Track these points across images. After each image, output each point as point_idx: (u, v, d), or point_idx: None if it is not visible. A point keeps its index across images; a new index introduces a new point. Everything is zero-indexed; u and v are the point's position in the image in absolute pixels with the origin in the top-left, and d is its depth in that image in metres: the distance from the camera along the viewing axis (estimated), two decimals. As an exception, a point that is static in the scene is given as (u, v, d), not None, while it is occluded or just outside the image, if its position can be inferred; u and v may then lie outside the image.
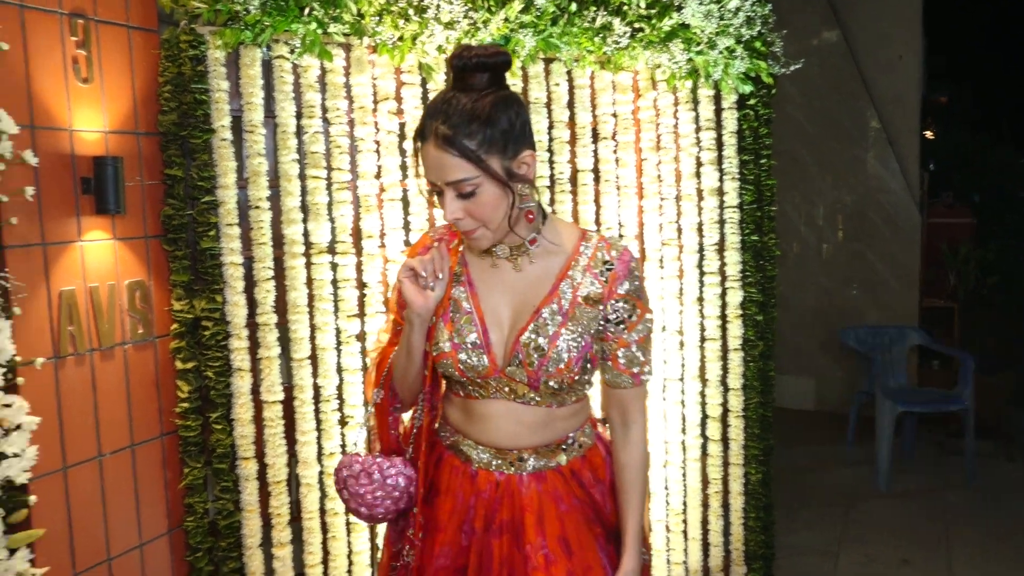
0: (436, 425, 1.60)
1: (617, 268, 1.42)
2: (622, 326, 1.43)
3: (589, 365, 1.44)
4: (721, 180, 2.83)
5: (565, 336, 1.39)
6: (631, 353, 1.45)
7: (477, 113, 1.29)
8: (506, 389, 1.43)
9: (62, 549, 1.91)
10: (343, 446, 2.30)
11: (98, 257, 1.98)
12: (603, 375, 1.50)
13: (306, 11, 2.10)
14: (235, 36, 2.05)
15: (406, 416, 1.62)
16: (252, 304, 2.18)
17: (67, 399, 1.92)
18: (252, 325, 2.19)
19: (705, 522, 2.94)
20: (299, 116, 2.20)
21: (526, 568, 1.41)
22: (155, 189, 2.11)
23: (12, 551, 1.76)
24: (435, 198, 1.37)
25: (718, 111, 2.81)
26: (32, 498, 1.80)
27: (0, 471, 1.72)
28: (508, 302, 1.43)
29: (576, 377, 1.41)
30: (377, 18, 2.18)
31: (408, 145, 2.25)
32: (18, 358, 1.77)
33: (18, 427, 1.76)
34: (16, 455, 1.75)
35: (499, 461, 1.46)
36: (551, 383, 1.40)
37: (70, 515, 1.93)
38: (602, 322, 1.43)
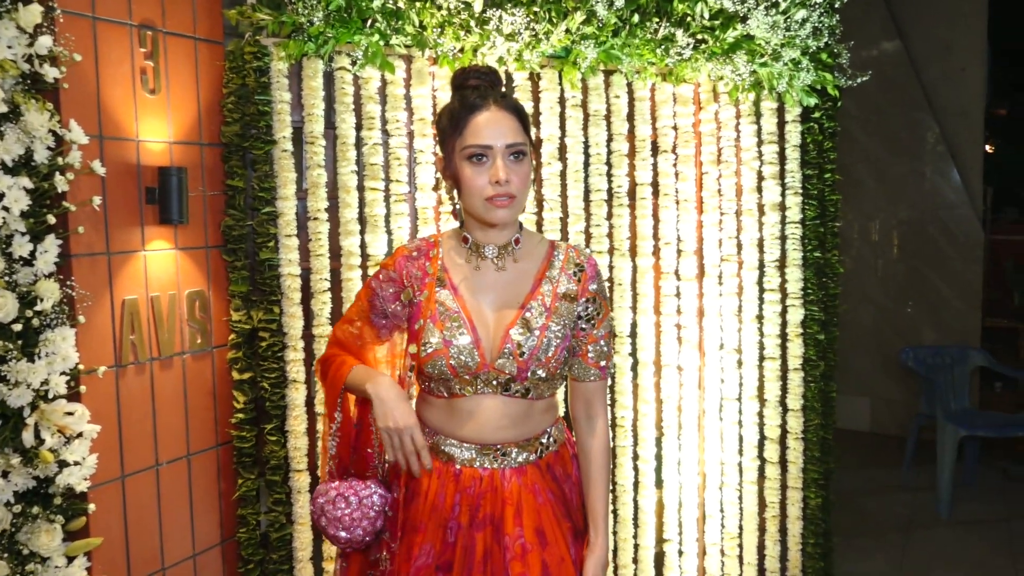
0: None
1: (588, 270, 1.57)
2: (592, 323, 1.57)
3: (568, 356, 1.56)
4: (783, 195, 2.75)
5: (551, 328, 1.50)
6: (599, 348, 1.59)
7: (516, 100, 1.51)
8: (494, 383, 1.50)
9: (118, 558, 1.92)
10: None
11: (160, 266, 1.99)
12: (571, 371, 1.62)
13: (368, 23, 2.09)
14: (298, 48, 2.06)
15: None
16: (308, 315, 2.18)
17: (127, 408, 1.93)
18: (308, 337, 2.18)
19: (761, 547, 2.85)
20: (359, 128, 2.19)
21: (504, 558, 1.49)
22: (216, 199, 2.11)
23: (70, 559, 1.76)
24: (468, 171, 1.44)
25: (781, 124, 2.74)
26: (91, 506, 1.80)
27: (61, 479, 1.72)
28: (491, 300, 1.52)
29: (559, 368, 1.53)
30: (439, 30, 2.16)
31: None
32: (81, 366, 1.79)
33: (79, 435, 1.76)
34: (77, 463, 1.75)
35: (483, 456, 1.52)
36: (539, 372, 1.49)
37: (126, 524, 1.93)
38: (575, 319, 1.55)
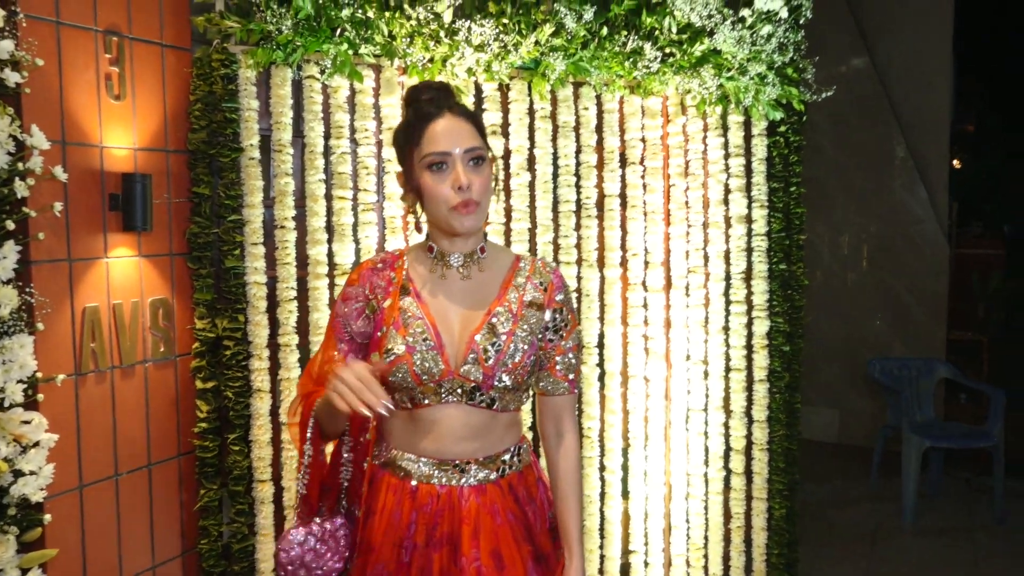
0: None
1: (554, 281, 1.56)
2: (560, 334, 1.55)
3: (535, 368, 1.54)
4: (750, 207, 2.79)
5: (518, 334, 1.48)
6: (567, 360, 1.57)
7: (469, 108, 1.53)
8: (458, 391, 1.47)
9: (75, 569, 1.89)
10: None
11: (123, 274, 1.97)
12: (539, 385, 1.59)
13: (338, 32, 2.09)
14: (267, 56, 2.05)
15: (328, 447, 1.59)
16: (274, 324, 2.16)
17: (86, 417, 1.90)
18: (273, 346, 2.17)
19: (727, 558, 2.87)
20: (327, 136, 2.19)
21: None
22: (182, 207, 2.10)
23: (25, 571, 1.73)
24: (429, 180, 1.43)
25: (747, 138, 2.78)
26: (47, 517, 1.78)
27: (16, 489, 1.70)
28: (456, 307, 1.50)
29: (525, 376, 1.50)
30: (408, 40, 2.17)
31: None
32: (39, 374, 1.76)
33: (36, 444, 1.74)
34: (33, 473, 1.73)
35: (440, 472, 1.49)
36: (505, 379, 1.46)
37: (84, 535, 1.91)
38: (542, 330, 1.53)
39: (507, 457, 1.53)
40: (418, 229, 1.55)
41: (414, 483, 1.49)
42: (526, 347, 1.49)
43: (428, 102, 1.47)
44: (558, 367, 1.56)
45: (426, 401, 1.48)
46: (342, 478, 1.54)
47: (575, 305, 1.62)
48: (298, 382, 1.61)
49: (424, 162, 1.44)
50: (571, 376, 1.58)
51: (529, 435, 2.20)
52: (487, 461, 1.51)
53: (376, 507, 1.51)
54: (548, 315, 1.54)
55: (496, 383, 1.47)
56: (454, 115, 1.45)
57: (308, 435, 1.49)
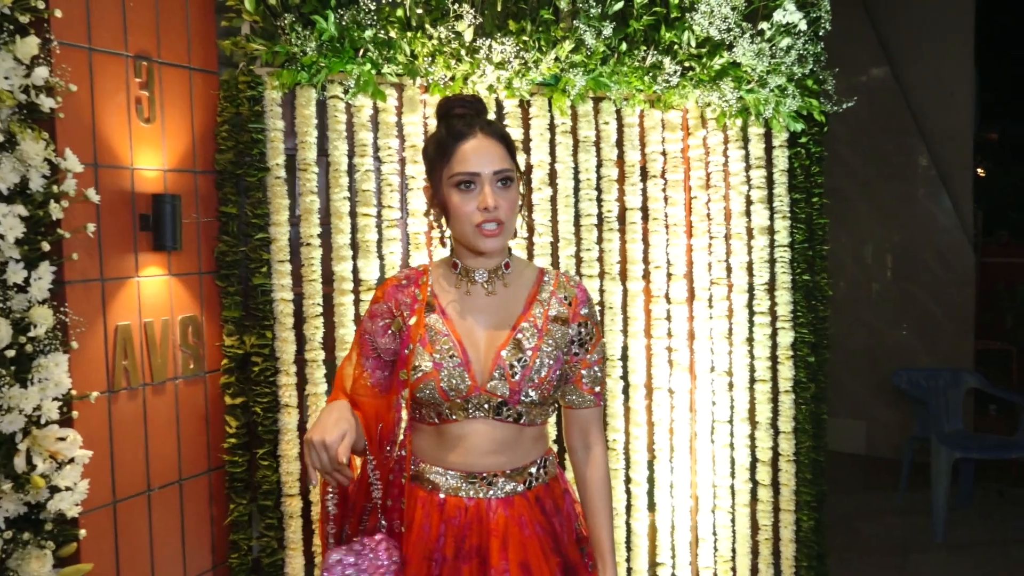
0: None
1: (578, 295, 1.57)
2: (585, 347, 1.56)
3: (560, 382, 1.54)
4: (772, 219, 2.78)
5: (544, 349, 1.49)
6: (593, 373, 1.58)
7: (502, 127, 1.53)
8: (485, 406, 1.47)
9: (109, 584, 1.91)
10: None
11: (153, 292, 2.01)
12: (565, 399, 1.60)
13: (361, 52, 2.13)
14: (291, 77, 2.09)
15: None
16: (301, 340, 2.19)
17: (119, 433, 1.94)
18: (300, 361, 2.20)
19: (755, 570, 2.84)
20: (351, 155, 2.22)
21: None
22: (210, 226, 2.14)
23: (61, 585, 1.77)
24: (456, 199, 1.45)
25: (768, 149, 2.78)
26: (82, 532, 1.81)
27: (52, 504, 1.73)
28: (482, 323, 1.51)
29: (551, 391, 1.51)
30: (430, 59, 2.20)
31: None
32: (73, 392, 1.80)
33: (71, 461, 1.77)
34: (68, 488, 1.76)
35: (468, 485, 1.49)
36: (531, 394, 1.47)
37: (117, 549, 1.94)
38: (567, 343, 1.54)
39: (534, 469, 1.54)
40: (443, 243, 1.57)
41: (442, 496, 1.49)
42: (552, 362, 1.49)
43: (460, 118, 1.48)
44: (584, 380, 1.56)
45: (453, 417, 1.48)
46: (374, 496, 1.53)
47: (599, 318, 1.61)
48: (327, 400, 1.61)
49: (452, 180, 1.45)
50: (597, 389, 1.58)
51: (555, 448, 2.21)
52: (514, 473, 1.51)
53: (408, 520, 1.51)
54: (573, 329, 1.54)
55: (523, 398, 1.47)
56: (485, 135, 1.46)
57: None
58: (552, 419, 2.28)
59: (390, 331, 1.53)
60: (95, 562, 1.85)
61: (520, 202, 1.53)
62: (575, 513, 1.61)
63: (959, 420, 4.46)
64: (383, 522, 1.53)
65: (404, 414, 1.57)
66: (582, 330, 1.55)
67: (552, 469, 1.60)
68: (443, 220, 1.52)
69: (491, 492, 1.49)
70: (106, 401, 1.91)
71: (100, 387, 1.89)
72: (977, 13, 5.00)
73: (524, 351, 1.48)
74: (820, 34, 2.71)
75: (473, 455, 1.49)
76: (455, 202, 1.45)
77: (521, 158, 2.41)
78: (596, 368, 1.58)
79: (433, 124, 2.27)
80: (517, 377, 1.46)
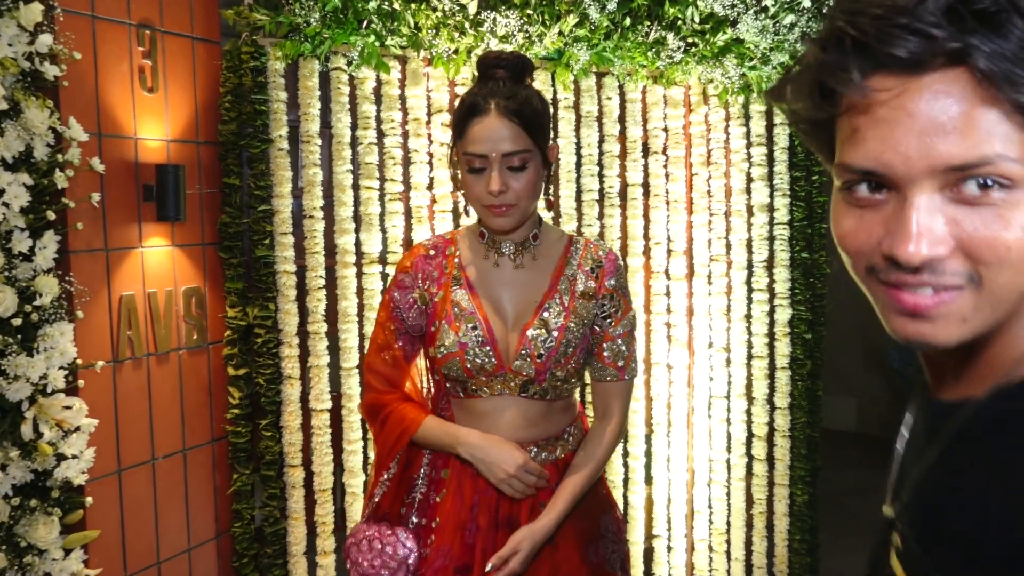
0: None
1: (606, 265, 1.53)
2: (608, 320, 1.52)
3: (586, 356, 1.52)
4: (772, 196, 2.79)
5: (570, 328, 1.47)
6: (616, 347, 1.54)
7: (530, 98, 1.43)
8: (511, 384, 1.47)
9: (114, 551, 1.94)
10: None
11: (157, 263, 2.01)
12: (589, 371, 1.57)
13: (364, 24, 2.12)
14: (295, 48, 2.08)
15: None
16: (304, 312, 2.20)
17: (123, 403, 1.95)
18: (303, 333, 2.20)
19: (749, 543, 2.89)
20: (354, 127, 2.22)
21: None
22: (213, 197, 2.14)
23: (67, 551, 1.78)
24: (468, 178, 1.43)
25: (769, 127, 2.78)
26: (88, 499, 1.82)
27: (59, 472, 1.74)
28: (508, 299, 1.49)
29: (578, 368, 1.49)
30: (434, 31, 2.19)
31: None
32: (79, 361, 1.81)
33: (77, 429, 1.78)
34: (75, 457, 1.77)
35: None
36: (558, 374, 1.47)
37: (123, 517, 1.95)
38: (593, 317, 1.52)
39: (565, 437, 1.54)
40: (466, 212, 1.56)
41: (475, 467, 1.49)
42: (578, 341, 1.48)
43: (484, 86, 1.43)
44: (605, 354, 1.53)
45: (480, 392, 1.49)
46: (415, 491, 1.55)
47: (627, 289, 1.57)
48: (367, 398, 1.57)
49: (464, 159, 1.43)
50: (620, 363, 1.54)
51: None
52: (546, 443, 1.52)
53: (442, 490, 1.53)
54: (598, 302, 1.52)
55: (549, 377, 1.47)
56: (500, 113, 1.40)
57: (397, 455, 1.52)
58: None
59: (416, 305, 1.51)
60: (101, 529, 1.87)
61: (543, 179, 1.47)
62: (603, 479, 1.62)
63: (950, 398, 4.50)
64: (414, 519, 1.55)
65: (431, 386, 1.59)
66: (606, 303, 1.52)
67: (581, 435, 1.58)
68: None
69: None
70: (111, 370, 1.92)
71: (105, 356, 1.90)
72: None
73: (551, 331, 1.46)
74: (824, 11, 2.70)
75: (502, 431, 1.49)
76: (467, 181, 1.44)
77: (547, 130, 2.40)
78: (621, 342, 1.53)
79: (436, 98, 2.28)
80: (543, 358, 1.45)
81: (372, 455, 2.28)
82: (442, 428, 1.50)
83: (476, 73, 1.50)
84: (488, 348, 1.45)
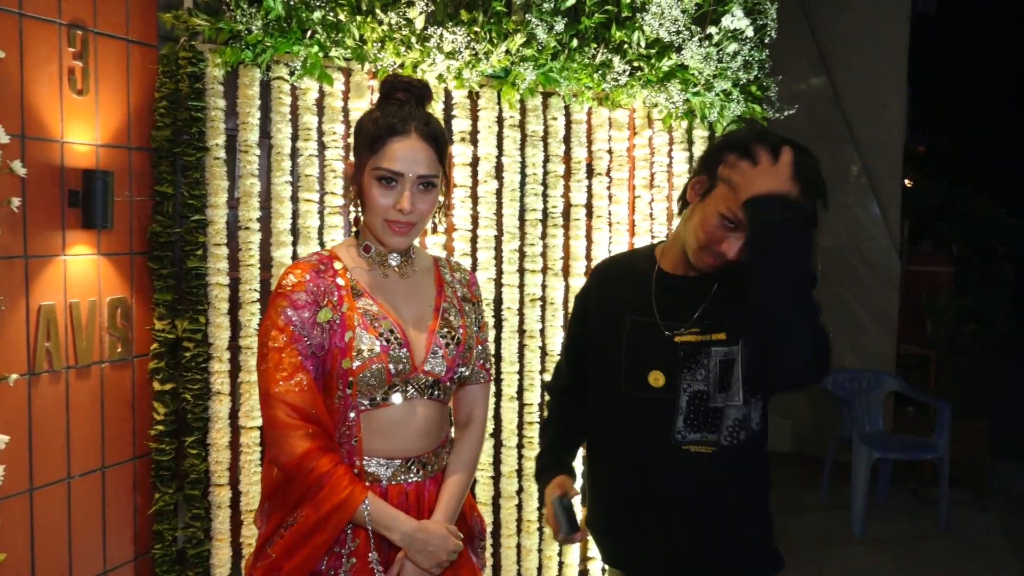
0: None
1: (470, 277, 1.65)
2: (478, 325, 1.62)
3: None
4: (712, 221, 2.83)
5: (468, 326, 1.56)
6: (485, 351, 1.63)
7: (440, 126, 1.50)
8: (421, 384, 1.50)
9: (24, 574, 1.83)
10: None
11: (81, 272, 1.93)
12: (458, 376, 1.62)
13: (308, 34, 2.08)
14: (235, 55, 2.03)
15: None
16: (235, 326, 2.14)
17: (39, 418, 1.86)
18: (234, 348, 2.14)
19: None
20: (295, 138, 2.17)
21: None
22: (143, 205, 2.06)
23: (-29, 575, 1.69)
24: (375, 191, 1.43)
25: (712, 153, 2.82)
26: (-4, 520, 1.73)
27: (-35, 491, 1.65)
28: (406, 306, 1.53)
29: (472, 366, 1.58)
30: (379, 44, 2.16)
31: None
32: (-9, 374, 1.72)
33: (-14, 446, 1.69)
34: (-18, 475, 1.68)
35: (407, 472, 1.50)
36: (462, 370, 1.53)
37: (33, 539, 1.86)
38: (473, 320, 1.60)
39: (448, 446, 1.59)
40: (356, 224, 1.53)
41: (384, 485, 1.48)
42: (473, 338, 1.57)
43: (400, 107, 1.45)
44: (479, 357, 1.61)
45: (389, 400, 1.47)
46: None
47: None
48: (278, 419, 1.41)
49: (375, 173, 1.43)
50: (488, 366, 1.64)
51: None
52: (438, 451, 1.55)
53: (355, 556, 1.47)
54: (476, 307, 1.62)
55: (456, 376, 1.52)
56: (419, 137, 1.43)
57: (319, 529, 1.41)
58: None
59: (317, 321, 1.44)
60: (8, 552, 1.77)
61: (440, 205, 1.52)
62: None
63: (880, 421, 4.64)
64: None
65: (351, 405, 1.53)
66: (479, 311, 1.62)
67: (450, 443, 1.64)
68: (359, 202, 1.49)
69: (424, 473, 1.51)
70: (26, 384, 1.83)
71: (20, 369, 1.80)
72: (911, 31, 5.18)
73: (455, 329, 1.53)
74: (765, 41, 2.76)
75: (410, 438, 1.50)
76: (373, 194, 1.44)
77: (468, 150, 2.39)
78: (487, 344, 1.65)
79: (380, 111, 2.25)
80: (453, 355, 1.51)
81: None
82: (381, 511, 1.43)
83: (379, 90, 1.53)
84: (406, 350, 1.47)
